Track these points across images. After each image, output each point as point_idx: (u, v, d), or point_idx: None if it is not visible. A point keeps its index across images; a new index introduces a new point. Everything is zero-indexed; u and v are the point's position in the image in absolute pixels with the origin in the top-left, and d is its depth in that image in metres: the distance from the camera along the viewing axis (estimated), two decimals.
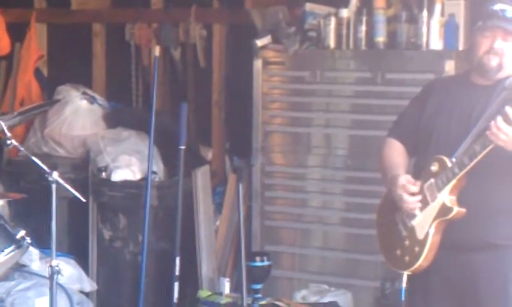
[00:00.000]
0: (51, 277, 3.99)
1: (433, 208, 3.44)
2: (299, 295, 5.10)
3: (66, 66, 6.35)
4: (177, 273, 5.17)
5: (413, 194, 3.48)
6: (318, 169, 5.30)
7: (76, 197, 4.08)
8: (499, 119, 3.22)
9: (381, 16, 4.98)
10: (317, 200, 5.32)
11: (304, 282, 5.22)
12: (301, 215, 5.34)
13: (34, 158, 4.04)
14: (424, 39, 4.88)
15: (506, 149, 3.26)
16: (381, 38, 5.00)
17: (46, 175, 3.96)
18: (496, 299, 3.49)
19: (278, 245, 5.36)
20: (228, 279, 5.20)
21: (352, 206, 5.13)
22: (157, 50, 5.48)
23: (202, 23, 5.89)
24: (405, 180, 3.51)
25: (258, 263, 4.93)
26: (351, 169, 5.13)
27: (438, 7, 4.87)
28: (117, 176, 5.51)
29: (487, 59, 3.44)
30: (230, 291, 5.15)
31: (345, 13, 5.10)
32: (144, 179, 5.39)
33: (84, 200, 4.15)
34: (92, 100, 6.02)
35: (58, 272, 3.99)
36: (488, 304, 3.49)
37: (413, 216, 3.51)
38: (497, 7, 3.44)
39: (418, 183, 3.49)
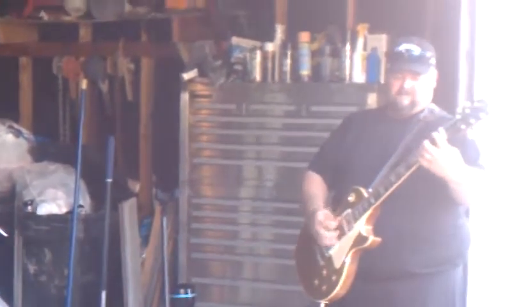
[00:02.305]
0: None
1: (350, 237, 3.51)
2: None
3: None
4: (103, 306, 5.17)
5: (330, 230, 3.55)
6: (247, 201, 5.35)
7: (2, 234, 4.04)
8: (425, 141, 3.30)
9: (305, 50, 5.08)
10: (245, 232, 5.36)
11: None
12: (228, 247, 5.37)
13: None
14: (347, 73, 4.99)
15: (431, 170, 3.33)
16: (305, 71, 5.09)
17: None
18: None
19: (205, 278, 5.37)
20: None
21: (280, 237, 5.17)
22: (84, 83, 5.51)
23: (130, 57, 5.96)
24: (323, 215, 3.58)
25: (182, 295, 4.96)
26: (279, 201, 5.19)
27: (360, 42, 4.99)
28: (43, 209, 5.50)
29: (399, 99, 3.56)
30: None
31: (270, 46, 5.18)
32: (71, 212, 5.38)
33: (6, 235, 4.11)
34: (18, 134, 6.01)
35: None
36: None
37: (330, 246, 3.57)
38: (403, 48, 3.56)
39: (337, 218, 3.56)
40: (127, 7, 5.90)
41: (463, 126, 3.28)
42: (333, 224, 3.55)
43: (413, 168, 3.38)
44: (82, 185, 5.53)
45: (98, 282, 5.18)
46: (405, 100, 3.55)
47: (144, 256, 5.62)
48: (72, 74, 6.15)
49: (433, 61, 3.58)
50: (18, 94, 6.37)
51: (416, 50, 3.56)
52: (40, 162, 5.85)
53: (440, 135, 3.29)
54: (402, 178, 3.40)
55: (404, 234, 3.51)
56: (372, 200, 3.47)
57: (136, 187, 5.87)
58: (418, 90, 3.55)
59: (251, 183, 5.33)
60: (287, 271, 5.12)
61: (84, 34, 6.16)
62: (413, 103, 3.56)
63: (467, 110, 3.27)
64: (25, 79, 6.36)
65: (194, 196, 5.41)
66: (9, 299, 5.45)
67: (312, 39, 5.12)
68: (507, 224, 4.43)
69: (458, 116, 3.29)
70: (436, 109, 3.54)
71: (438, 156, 3.29)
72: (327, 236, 3.56)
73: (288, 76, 5.13)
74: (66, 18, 6.15)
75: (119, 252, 5.46)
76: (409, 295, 3.56)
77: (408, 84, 3.54)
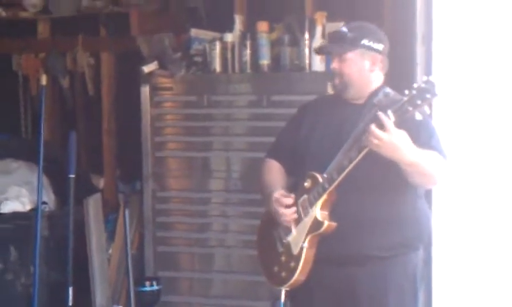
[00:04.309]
0: None
1: (306, 223, 3.65)
2: None
3: None
4: (70, 303, 5.27)
5: (287, 207, 3.70)
6: (214, 193, 5.50)
7: None
8: (372, 125, 3.45)
9: (264, 40, 5.24)
10: (214, 224, 5.51)
11: (199, 306, 5.41)
12: (196, 240, 5.51)
13: None
14: (307, 62, 5.15)
15: (381, 153, 3.47)
16: (265, 61, 5.25)
17: None
18: None
19: (173, 271, 5.52)
20: (121, 306, 5.36)
21: (250, 228, 5.20)
22: (43, 79, 5.60)
23: (89, 52, 6.07)
24: (278, 194, 3.73)
25: (148, 288, 5.10)
26: (247, 192, 5.31)
27: (319, 30, 5.14)
28: (7, 208, 5.61)
29: (332, 80, 3.79)
30: None
31: (229, 37, 5.33)
32: (35, 210, 5.49)
33: None
34: None
35: None
36: None
37: (289, 232, 3.72)
38: (333, 30, 3.75)
39: (292, 195, 3.71)
40: (85, 2, 6.02)
41: (410, 108, 3.40)
42: (289, 200, 3.69)
43: (364, 152, 3.52)
44: (46, 181, 5.65)
45: (65, 279, 5.30)
46: (335, 80, 3.75)
47: (110, 251, 5.75)
48: (31, 70, 6.26)
49: (366, 42, 3.70)
50: None
51: (341, 31, 3.75)
52: (2, 160, 5.95)
53: (386, 118, 3.42)
54: (354, 162, 3.55)
55: (362, 218, 3.65)
56: (326, 185, 3.61)
57: (100, 182, 6.00)
58: (345, 70, 3.71)
59: (218, 174, 5.47)
60: (255, 261, 5.27)
61: (43, 30, 6.27)
62: (343, 84, 3.73)
63: (414, 92, 3.40)
64: None
65: (159, 189, 5.56)
66: None
67: (271, 29, 5.28)
68: (471, 205, 4.56)
69: (405, 98, 3.42)
70: (392, 92, 3.64)
71: (386, 139, 3.43)
72: (285, 213, 3.70)
73: (248, 66, 5.28)
74: (24, 14, 6.26)
75: (85, 248, 5.59)
76: (369, 279, 3.69)
77: (334, 64, 3.74)
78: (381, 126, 3.44)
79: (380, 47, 3.73)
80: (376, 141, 3.45)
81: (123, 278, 5.61)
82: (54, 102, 6.25)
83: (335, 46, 3.81)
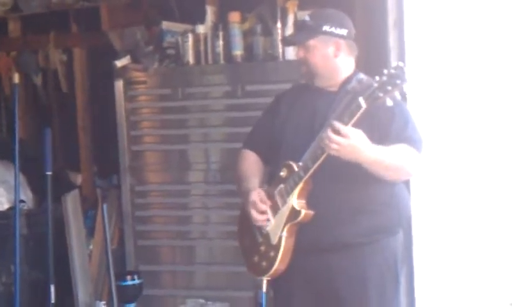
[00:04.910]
0: None
1: (284, 212, 3.70)
2: None
3: None
4: (53, 301, 5.32)
5: (262, 212, 3.75)
6: (193, 185, 5.56)
7: None
8: (329, 130, 3.49)
9: (236, 30, 5.30)
10: (195, 216, 5.57)
11: (182, 298, 5.47)
12: (176, 232, 5.57)
13: None
14: (280, 51, 5.22)
15: (341, 157, 3.52)
16: (238, 52, 5.32)
17: None
18: (357, 298, 3.75)
19: (154, 265, 5.59)
20: (104, 302, 5.42)
21: (230, 218, 5.24)
22: (16, 78, 5.62)
23: (61, 48, 6.12)
24: (255, 196, 3.77)
25: (129, 282, 5.16)
26: (226, 183, 5.35)
27: (290, 18, 5.20)
28: None
29: (300, 69, 3.83)
30: None
31: (201, 29, 5.40)
32: (13, 208, 5.55)
33: None
34: None
35: None
36: (348, 303, 3.75)
37: (267, 222, 3.76)
38: (299, 18, 3.77)
39: (271, 195, 3.74)
40: None
41: (380, 94, 3.42)
42: (264, 207, 3.73)
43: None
44: (23, 179, 5.71)
45: (46, 276, 5.34)
46: (302, 69, 3.80)
47: (91, 247, 5.81)
48: (4, 69, 6.30)
49: (327, 28, 3.73)
50: None
51: (302, 20, 3.80)
52: None
53: (340, 124, 3.47)
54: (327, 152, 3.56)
55: (339, 205, 3.69)
56: (302, 173, 3.65)
57: (77, 178, 6.05)
58: (310, 58, 3.76)
59: (196, 166, 5.53)
60: (236, 252, 5.33)
61: (13, 28, 6.31)
62: (310, 72, 3.78)
63: (384, 78, 3.42)
64: None
65: (137, 183, 5.63)
66: None
67: (243, 20, 5.34)
68: (450, 188, 4.61)
69: (376, 84, 3.44)
70: (365, 78, 3.66)
71: (344, 143, 3.47)
72: (258, 218, 3.75)
73: (221, 57, 5.34)
74: None
75: (65, 246, 5.65)
76: (349, 266, 3.73)
77: (299, 53, 3.79)
78: (336, 131, 3.49)
79: (343, 31, 3.76)
80: (334, 146, 3.50)
81: (105, 274, 5.67)
82: (28, 100, 6.29)
83: (297, 35, 3.88)
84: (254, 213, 3.77)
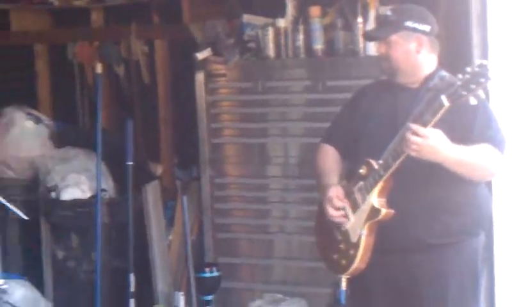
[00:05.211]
0: None
1: (364, 210, 3.70)
2: (254, 305, 5.41)
3: (11, 87, 6.60)
4: (132, 289, 5.48)
5: (338, 209, 3.77)
6: (272, 179, 5.59)
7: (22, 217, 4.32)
8: (407, 132, 3.49)
9: (317, 25, 5.31)
10: (273, 210, 5.61)
11: (259, 292, 5.51)
12: (255, 226, 5.62)
13: None
14: (361, 46, 5.21)
15: (421, 158, 3.52)
16: (319, 46, 5.32)
17: None
18: (436, 298, 3.74)
19: (232, 257, 5.65)
20: (182, 292, 5.50)
21: (308, 214, 5.21)
22: (99, 68, 5.77)
23: (143, 40, 6.19)
24: (333, 192, 3.78)
25: (208, 274, 5.23)
26: (304, 178, 5.35)
27: (372, 13, 5.18)
28: (67, 195, 5.78)
29: (381, 64, 3.83)
30: (185, 304, 5.45)
31: (282, 22, 5.42)
32: (94, 197, 5.67)
33: (26, 218, 4.36)
34: (37, 120, 6.27)
35: (4, 292, 4.24)
36: (428, 303, 3.75)
37: (347, 220, 3.77)
38: (380, 13, 3.75)
39: (350, 192, 3.76)
40: None
41: (464, 93, 3.40)
42: (340, 204, 3.75)
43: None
44: (104, 169, 5.83)
45: (126, 265, 5.50)
46: (383, 65, 3.80)
47: (170, 237, 5.89)
48: (86, 59, 6.41)
49: (410, 24, 3.71)
50: (34, 81, 6.65)
51: (384, 15, 3.79)
52: (61, 148, 6.13)
53: (419, 126, 3.47)
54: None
55: (420, 205, 3.67)
56: (382, 172, 3.64)
57: (157, 169, 6.13)
58: (391, 54, 3.74)
59: (275, 160, 5.57)
60: (314, 247, 5.36)
61: (96, 18, 6.41)
62: (391, 68, 3.77)
63: (467, 76, 3.39)
64: (42, 66, 6.63)
65: (217, 176, 5.69)
66: (39, 285, 5.81)
67: (324, 14, 5.34)
68: None
69: (459, 82, 3.42)
70: (447, 75, 3.64)
71: (423, 144, 3.48)
72: (333, 214, 3.77)
73: (302, 51, 5.36)
74: (77, 3, 6.44)
75: (145, 235, 5.77)
76: (429, 267, 3.72)
77: (380, 49, 3.79)
78: (415, 133, 3.49)
79: (426, 27, 3.74)
80: (413, 146, 3.50)
81: (183, 265, 5.73)
82: (110, 90, 6.39)
83: (378, 30, 3.89)
84: (330, 210, 3.79)
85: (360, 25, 5.19)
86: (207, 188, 5.69)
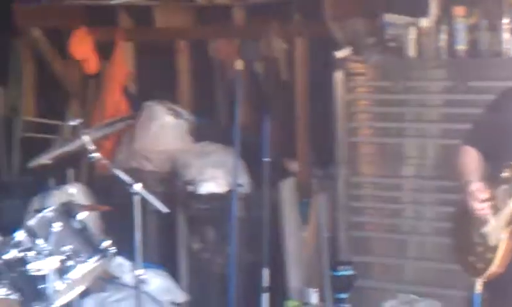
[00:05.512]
0: (136, 287, 4.41)
1: (505, 214, 3.67)
2: (387, 305, 5.40)
3: (152, 82, 6.81)
4: (266, 284, 5.56)
5: (482, 201, 3.73)
6: (408, 179, 5.58)
7: (162, 209, 4.46)
8: None
9: (461, 25, 5.26)
10: (408, 210, 5.59)
11: (393, 292, 5.49)
12: (390, 225, 5.62)
13: (116, 171, 4.45)
14: (506, 47, 5.14)
15: None
16: (462, 47, 5.27)
17: (128, 187, 4.35)
18: None
19: (366, 256, 5.66)
20: (315, 290, 5.54)
21: (444, 215, 5.20)
22: (239, 64, 5.88)
23: (283, 37, 6.25)
24: (474, 187, 3.75)
25: (342, 273, 5.25)
26: (441, 179, 5.33)
27: None
28: (203, 188, 5.93)
29: None
30: (319, 301, 5.50)
31: (425, 22, 5.39)
32: (231, 191, 5.80)
33: (166, 211, 4.49)
34: (177, 115, 6.43)
35: (143, 282, 4.38)
36: None
37: (485, 222, 3.75)
38: None
39: (488, 190, 3.74)
40: None
41: None
42: (485, 195, 3.70)
43: None
44: (241, 164, 5.92)
45: (260, 260, 5.56)
46: None
47: (304, 234, 5.93)
48: (227, 56, 6.50)
49: None
50: (176, 76, 6.80)
51: None
52: (199, 143, 6.29)
53: None
54: None
55: None
56: None
57: (293, 166, 6.20)
58: None
59: (411, 161, 5.54)
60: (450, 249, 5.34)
61: (238, 16, 6.51)
62: None
63: None
64: (183, 62, 6.77)
65: (352, 174, 5.71)
66: (175, 275, 5.96)
67: (468, 14, 5.28)
68: None
69: None
70: None
71: None
72: (479, 207, 3.72)
73: (444, 52, 5.32)
74: (220, 1, 6.54)
75: (279, 231, 5.84)
76: None
77: None
78: None
79: None
80: None
81: (317, 261, 5.76)
82: (248, 87, 6.47)
83: None
84: (474, 204, 3.75)
85: (506, 26, 5.11)
86: (342, 187, 5.71)
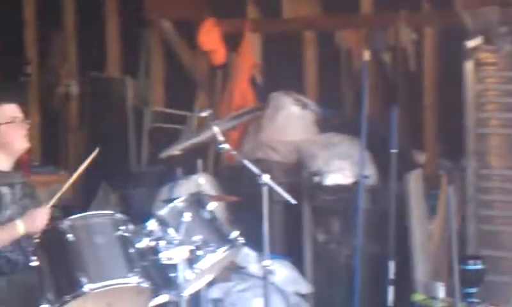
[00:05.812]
0: (264, 277, 4.45)
1: None
2: None
3: (279, 73, 6.85)
4: (391, 277, 5.54)
5: None
6: None
7: (290, 201, 4.50)
8: None
9: None
10: None
11: None
12: None
13: (245, 162, 4.50)
14: None
15: None
16: None
17: (256, 178, 4.39)
18: None
19: (495, 250, 5.56)
20: (443, 283, 5.48)
21: None
22: (366, 55, 5.85)
23: (412, 27, 6.18)
24: None
25: (472, 267, 5.16)
26: None
27: None
28: (329, 180, 5.93)
29: None
30: (446, 295, 5.43)
31: None
32: (356, 183, 5.78)
33: (294, 202, 4.53)
34: (304, 106, 6.45)
35: (270, 272, 4.43)
36: None
37: None
38: None
39: None
40: None
41: None
42: None
43: None
44: (367, 156, 5.90)
45: (385, 252, 5.55)
46: None
47: (431, 227, 5.86)
48: (354, 46, 6.48)
49: None
50: (302, 67, 6.82)
51: None
52: (325, 134, 6.29)
53: None
54: None
55: None
56: None
57: (421, 157, 6.13)
58: None
59: None
60: None
61: (366, 5, 6.47)
62: None
63: None
64: (310, 53, 6.78)
65: (482, 166, 5.61)
66: (299, 265, 5.99)
67: None
68: None
69: None
70: None
71: None
72: None
73: None
74: None
75: (405, 223, 5.78)
76: None
77: None
78: None
79: None
80: None
81: (445, 255, 5.69)
82: (375, 77, 6.43)
83: None
84: None
85: None
86: (472, 179, 5.62)
